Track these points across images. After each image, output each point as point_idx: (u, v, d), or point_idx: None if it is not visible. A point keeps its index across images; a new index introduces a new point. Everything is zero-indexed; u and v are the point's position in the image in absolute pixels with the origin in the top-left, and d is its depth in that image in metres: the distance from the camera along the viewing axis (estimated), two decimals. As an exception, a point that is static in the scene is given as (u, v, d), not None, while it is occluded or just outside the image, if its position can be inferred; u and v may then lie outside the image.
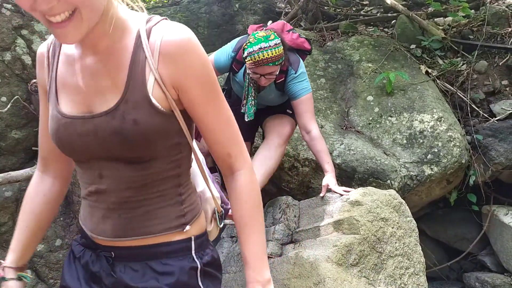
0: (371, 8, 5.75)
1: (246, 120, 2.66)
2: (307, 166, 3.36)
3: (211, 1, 5.93)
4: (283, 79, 2.63)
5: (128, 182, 1.04)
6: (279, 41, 2.41)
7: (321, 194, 2.56)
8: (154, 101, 0.99)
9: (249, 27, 2.82)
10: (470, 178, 3.73)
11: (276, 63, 2.43)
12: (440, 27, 4.64)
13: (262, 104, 2.87)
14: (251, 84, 2.63)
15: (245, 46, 2.45)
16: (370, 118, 3.73)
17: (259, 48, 2.37)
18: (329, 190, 2.54)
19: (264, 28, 2.68)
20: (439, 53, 4.45)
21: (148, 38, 1.00)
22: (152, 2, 7.01)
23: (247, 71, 2.56)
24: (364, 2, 5.96)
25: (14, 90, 2.27)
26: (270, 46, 2.37)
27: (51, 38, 1.10)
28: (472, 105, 4.06)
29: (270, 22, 2.92)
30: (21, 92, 2.25)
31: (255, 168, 2.52)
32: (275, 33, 2.45)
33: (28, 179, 1.87)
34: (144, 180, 1.05)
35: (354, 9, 5.72)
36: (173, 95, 1.02)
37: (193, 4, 5.93)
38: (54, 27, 0.88)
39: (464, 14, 4.57)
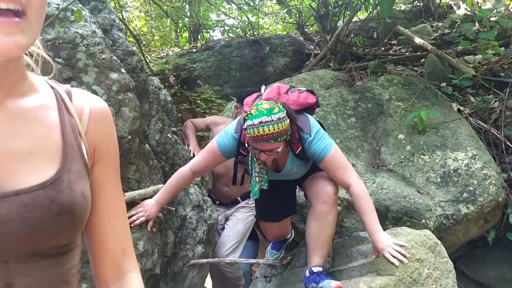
0: (399, 47, 5.84)
1: (253, 198, 2.42)
2: (339, 205, 3.36)
3: (242, 45, 6.17)
4: (301, 148, 2.36)
5: (50, 282, 0.77)
6: (283, 115, 2.18)
7: (374, 257, 2.33)
8: (89, 171, 0.83)
9: (245, 101, 2.62)
10: (509, 216, 3.64)
11: (278, 140, 2.17)
12: (470, 65, 4.66)
13: (289, 179, 2.65)
14: (255, 159, 2.35)
15: (246, 117, 2.19)
16: (402, 157, 3.73)
17: (259, 122, 2.12)
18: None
19: (260, 98, 2.49)
20: (470, 90, 4.45)
21: (71, 100, 0.85)
22: (186, 47, 7.33)
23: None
24: (393, 42, 6.06)
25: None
26: (272, 120, 2.12)
27: None
28: (507, 142, 4.00)
29: (263, 87, 2.69)
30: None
31: (312, 247, 2.39)
32: (280, 105, 2.22)
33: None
34: (67, 277, 0.80)
35: (382, 48, 5.82)
36: (91, 163, 0.86)
37: (225, 48, 6.18)
38: None
39: (493, 52, 4.59)
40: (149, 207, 2.28)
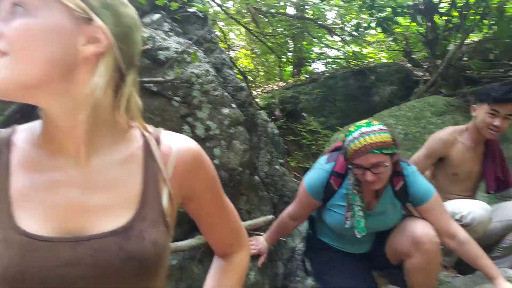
0: (521, 68, 5.35)
1: (358, 235, 2.04)
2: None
3: (346, 75, 6.13)
4: (403, 182, 2.08)
5: None
6: (385, 128, 1.98)
7: None
8: (168, 218, 0.84)
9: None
10: None
11: (383, 151, 1.91)
12: None
13: (374, 227, 2.18)
14: (356, 190, 2.07)
15: (344, 138, 2.01)
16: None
17: (360, 133, 1.94)
18: None
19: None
20: None
21: (159, 146, 0.88)
22: (290, 81, 7.50)
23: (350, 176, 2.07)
24: (512, 63, 5.57)
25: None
26: (373, 130, 1.94)
27: None
28: None
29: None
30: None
31: None
32: (381, 123, 2.02)
33: (191, 248, 2.08)
34: None
35: (501, 70, 5.37)
36: (176, 206, 0.90)
37: (330, 79, 6.19)
38: None
39: None
40: (260, 243, 2.31)
